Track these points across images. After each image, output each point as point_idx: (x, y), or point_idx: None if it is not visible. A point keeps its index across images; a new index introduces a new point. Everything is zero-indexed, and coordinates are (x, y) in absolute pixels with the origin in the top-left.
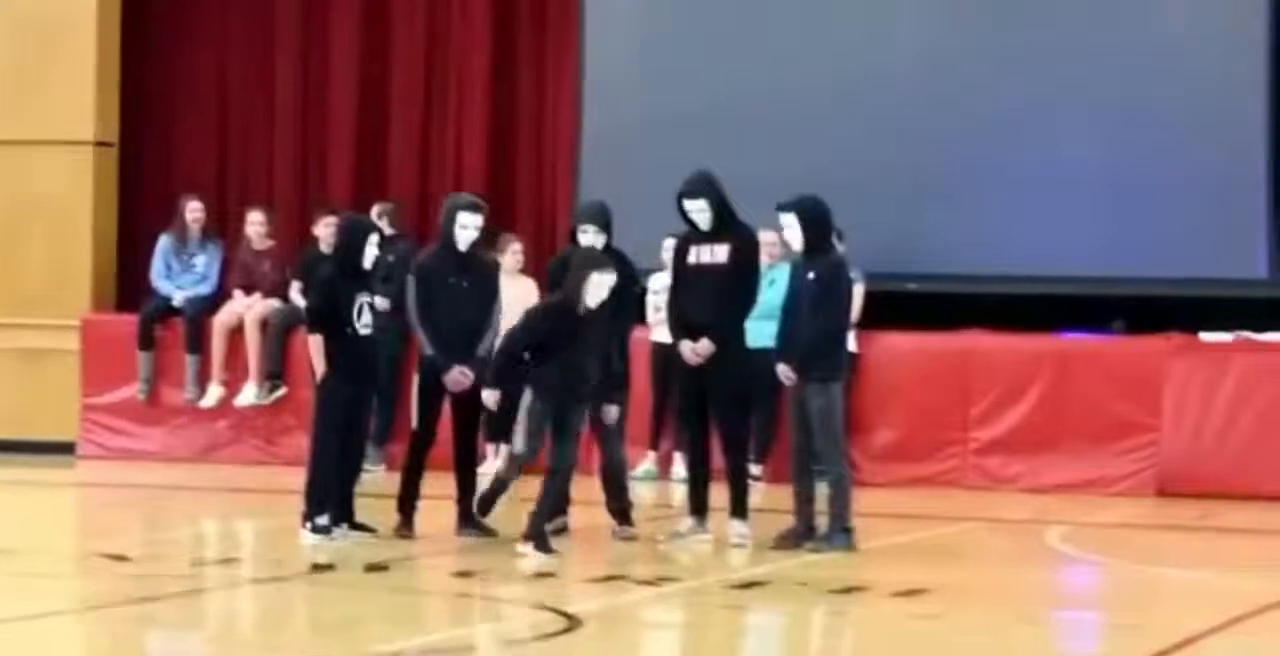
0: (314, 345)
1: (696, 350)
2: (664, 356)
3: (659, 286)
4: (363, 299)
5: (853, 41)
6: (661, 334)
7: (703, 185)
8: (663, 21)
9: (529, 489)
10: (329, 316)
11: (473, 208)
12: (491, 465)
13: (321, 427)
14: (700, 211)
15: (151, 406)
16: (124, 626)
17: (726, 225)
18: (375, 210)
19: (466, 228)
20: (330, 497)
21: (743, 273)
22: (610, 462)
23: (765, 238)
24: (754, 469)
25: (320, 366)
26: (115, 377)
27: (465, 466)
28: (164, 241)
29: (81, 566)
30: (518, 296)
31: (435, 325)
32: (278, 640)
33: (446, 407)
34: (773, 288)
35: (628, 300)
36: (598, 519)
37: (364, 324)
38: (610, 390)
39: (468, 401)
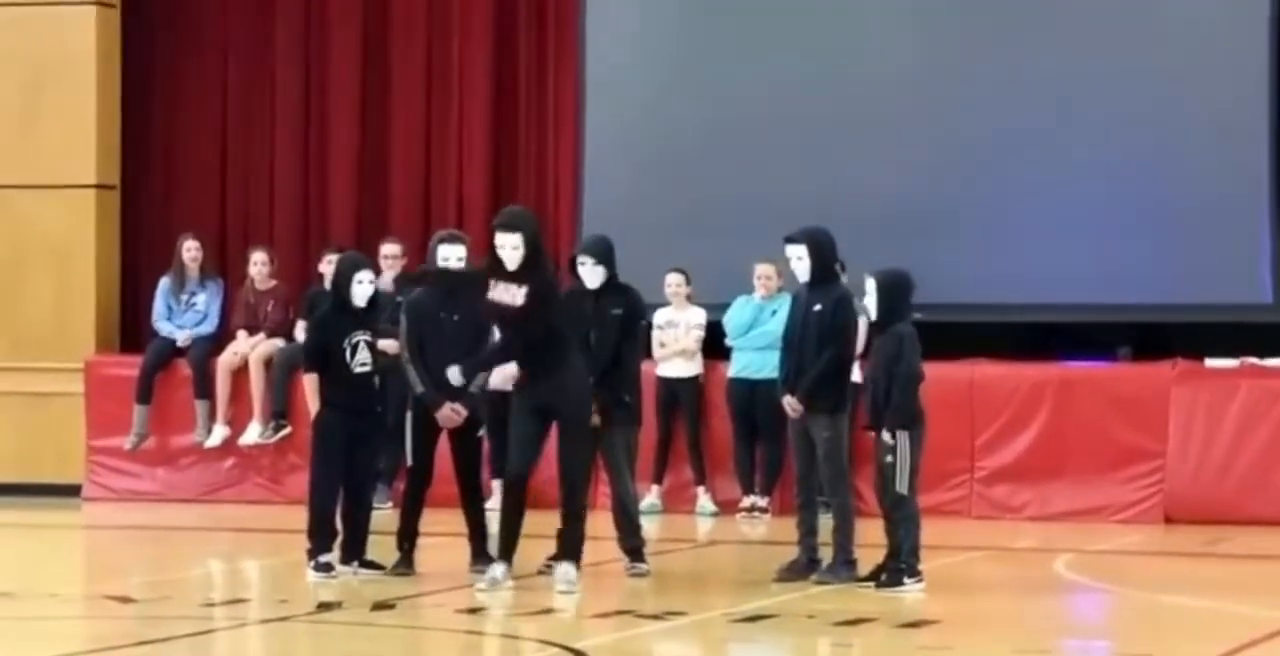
0: (308, 383)
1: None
2: (669, 390)
3: (662, 321)
4: (358, 336)
5: (855, 71)
6: (667, 368)
7: (521, 220)
8: (664, 52)
9: (542, 526)
10: (320, 354)
11: (452, 239)
12: (497, 500)
13: (317, 466)
14: (514, 248)
15: (156, 447)
16: None
17: (531, 267)
18: (383, 251)
19: (449, 260)
20: (332, 534)
21: (537, 316)
22: (620, 498)
23: (762, 270)
24: (761, 501)
25: (314, 404)
26: (120, 419)
27: (472, 503)
28: (163, 283)
29: (88, 608)
30: None
31: (425, 362)
32: None
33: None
34: (775, 318)
35: (635, 334)
36: (607, 554)
37: (359, 362)
38: (621, 423)
39: (464, 437)
